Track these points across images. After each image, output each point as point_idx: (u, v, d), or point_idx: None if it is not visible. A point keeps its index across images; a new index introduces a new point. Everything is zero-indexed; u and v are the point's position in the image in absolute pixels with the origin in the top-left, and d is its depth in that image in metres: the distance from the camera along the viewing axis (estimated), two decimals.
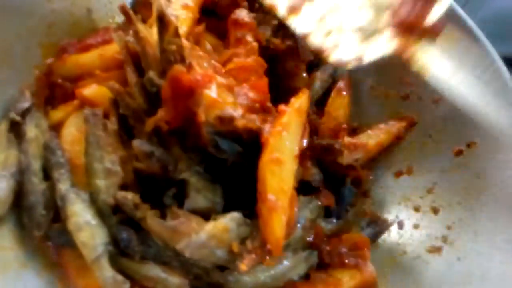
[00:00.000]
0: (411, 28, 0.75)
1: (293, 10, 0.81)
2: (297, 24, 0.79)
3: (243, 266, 0.71)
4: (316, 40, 0.78)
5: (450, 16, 0.81)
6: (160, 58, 0.79)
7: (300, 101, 0.79)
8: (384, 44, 0.76)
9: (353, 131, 0.96)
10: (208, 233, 0.71)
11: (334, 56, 0.77)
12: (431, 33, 0.76)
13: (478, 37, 0.87)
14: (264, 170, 0.73)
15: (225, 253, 0.74)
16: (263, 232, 0.72)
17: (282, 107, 0.78)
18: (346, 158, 0.78)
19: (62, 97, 0.91)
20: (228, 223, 0.73)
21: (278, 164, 0.73)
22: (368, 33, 0.77)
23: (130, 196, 0.73)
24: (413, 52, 0.75)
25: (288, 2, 0.80)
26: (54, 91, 0.92)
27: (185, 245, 0.70)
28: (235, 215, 0.74)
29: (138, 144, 0.74)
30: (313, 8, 0.79)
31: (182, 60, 0.78)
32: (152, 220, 0.73)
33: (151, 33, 0.81)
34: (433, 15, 0.75)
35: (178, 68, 0.73)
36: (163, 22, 0.76)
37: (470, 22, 0.87)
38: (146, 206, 0.74)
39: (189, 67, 0.77)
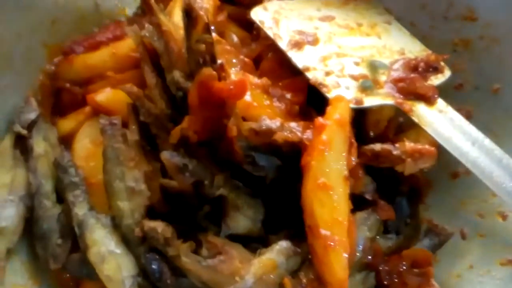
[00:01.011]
0: (407, 91, 0.75)
1: (296, 45, 0.80)
2: (298, 59, 0.78)
3: None
4: (316, 75, 0.76)
5: None
6: (188, 58, 0.68)
7: (340, 111, 0.68)
8: (383, 97, 0.75)
9: (399, 128, 0.86)
10: (255, 275, 0.61)
11: (334, 92, 0.74)
12: (426, 99, 0.75)
13: None
14: (311, 200, 0.62)
15: None
16: (320, 272, 0.62)
17: (319, 120, 0.66)
18: (409, 168, 0.67)
19: (71, 104, 0.82)
20: (276, 257, 0.63)
21: (326, 191, 0.63)
22: (367, 84, 0.76)
23: (160, 229, 0.63)
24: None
25: (292, 37, 0.80)
26: (62, 98, 0.82)
27: None
28: (283, 246, 0.64)
29: (168, 157, 0.63)
30: (316, 49, 0.80)
31: (213, 60, 0.67)
32: (187, 258, 0.63)
33: (176, 27, 0.70)
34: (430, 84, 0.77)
35: (208, 72, 0.62)
36: (191, 17, 0.65)
37: None
38: (179, 242, 0.63)
39: (221, 69, 0.66)
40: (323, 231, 0.61)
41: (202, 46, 0.65)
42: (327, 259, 0.61)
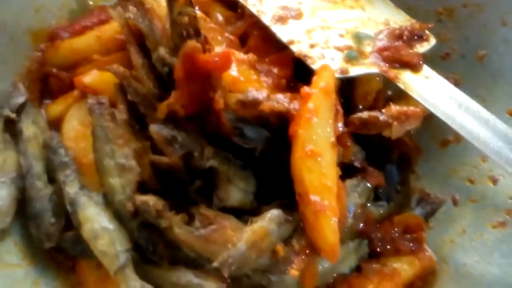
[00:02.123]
0: (392, 60, 0.76)
1: (280, 20, 0.80)
2: (282, 33, 0.78)
3: (293, 271, 0.61)
4: (301, 48, 0.77)
5: None
6: (171, 32, 0.68)
7: (325, 79, 0.68)
8: (368, 66, 0.76)
9: (388, 101, 0.86)
10: (247, 242, 0.61)
11: (319, 63, 0.74)
12: (412, 66, 0.75)
13: None
14: (300, 167, 0.63)
15: (267, 258, 0.64)
16: (312, 238, 0.62)
17: (305, 89, 0.67)
18: (396, 131, 0.68)
19: (59, 88, 0.81)
20: (267, 225, 0.63)
21: (314, 158, 0.63)
22: (352, 55, 0.77)
23: (152, 202, 0.63)
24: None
25: (275, 12, 0.80)
26: (49, 83, 0.82)
27: (223, 261, 0.60)
28: (275, 214, 0.64)
29: (157, 129, 0.63)
30: (300, 23, 0.81)
31: (197, 33, 0.67)
32: (180, 229, 0.63)
33: (159, 4, 0.70)
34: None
35: (192, 44, 0.62)
36: None
37: None
38: (171, 213, 0.63)
39: (205, 42, 0.67)
40: (313, 197, 0.61)
41: (185, 19, 0.65)
42: (318, 224, 0.61)
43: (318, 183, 0.62)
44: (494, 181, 0.78)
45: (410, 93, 0.72)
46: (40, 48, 0.81)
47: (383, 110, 0.69)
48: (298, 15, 0.80)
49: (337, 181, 0.64)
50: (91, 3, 0.89)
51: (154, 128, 0.63)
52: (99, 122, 0.69)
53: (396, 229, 0.73)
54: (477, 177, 0.80)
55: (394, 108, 0.68)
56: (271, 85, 0.76)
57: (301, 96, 0.67)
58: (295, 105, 0.68)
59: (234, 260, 0.60)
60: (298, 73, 0.79)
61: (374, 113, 0.69)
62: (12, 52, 0.79)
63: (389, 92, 0.86)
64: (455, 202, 0.80)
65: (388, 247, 0.72)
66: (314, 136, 0.63)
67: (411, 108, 0.68)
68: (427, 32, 0.81)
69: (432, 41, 0.80)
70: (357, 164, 0.71)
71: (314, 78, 0.68)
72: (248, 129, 0.67)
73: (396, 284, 0.70)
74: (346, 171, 0.70)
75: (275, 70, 0.77)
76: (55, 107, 0.79)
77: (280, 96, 0.70)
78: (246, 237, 0.61)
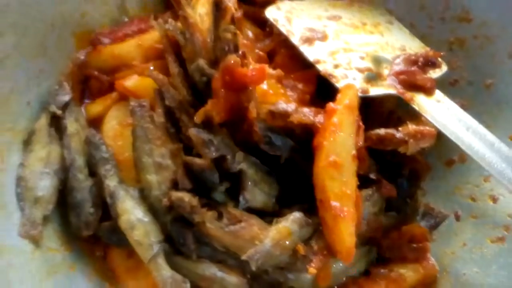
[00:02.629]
0: (408, 83, 0.83)
1: (307, 41, 0.87)
2: (309, 53, 0.85)
3: (312, 269, 0.67)
4: (326, 67, 0.83)
5: None
6: (213, 46, 0.74)
7: (349, 97, 0.74)
8: (386, 87, 0.83)
9: (398, 120, 0.92)
10: (272, 239, 0.67)
11: (343, 82, 0.81)
12: (425, 90, 0.82)
13: None
14: (323, 175, 0.69)
15: (287, 257, 0.70)
16: (330, 241, 0.69)
17: (330, 105, 0.73)
18: (412, 148, 0.74)
19: (98, 90, 0.87)
20: (290, 226, 0.69)
21: (336, 168, 0.69)
22: (372, 76, 0.84)
23: (187, 198, 0.69)
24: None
25: (303, 34, 0.88)
26: (90, 85, 0.88)
27: (251, 255, 0.66)
28: (297, 216, 0.70)
29: (196, 132, 0.69)
30: (325, 45, 0.88)
31: (236, 49, 0.74)
32: (211, 225, 0.69)
33: (201, 19, 0.77)
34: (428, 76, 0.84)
35: (233, 58, 0.69)
36: (220, 8, 0.71)
37: None
38: (204, 210, 0.69)
39: (243, 57, 0.73)
40: (334, 203, 0.68)
41: (228, 35, 0.71)
42: (337, 228, 0.67)
43: (339, 191, 0.68)
44: (494, 199, 0.84)
45: (423, 114, 0.79)
46: (83, 52, 0.87)
47: (400, 128, 0.75)
48: (324, 37, 0.87)
49: (355, 190, 0.70)
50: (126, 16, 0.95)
51: (193, 132, 0.70)
52: (140, 123, 0.75)
53: (403, 238, 0.79)
54: (479, 195, 0.86)
55: (411, 126, 0.74)
56: (296, 99, 0.82)
57: (326, 111, 0.73)
58: (319, 118, 0.74)
59: (260, 256, 0.66)
60: (319, 92, 0.85)
61: (390, 131, 0.76)
62: (59, 52, 0.85)
63: (399, 114, 0.93)
64: (457, 217, 0.86)
65: (395, 254, 0.78)
66: (338, 148, 0.70)
67: (427, 127, 0.74)
68: (439, 59, 0.88)
69: (444, 68, 0.87)
70: (372, 176, 0.77)
71: (339, 96, 0.75)
72: (276, 138, 0.74)
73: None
74: (362, 181, 0.76)
75: (300, 86, 0.84)
76: (94, 107, 0.84)
77: (306, 110, 0.77)
78: (271, 235, 0.68)
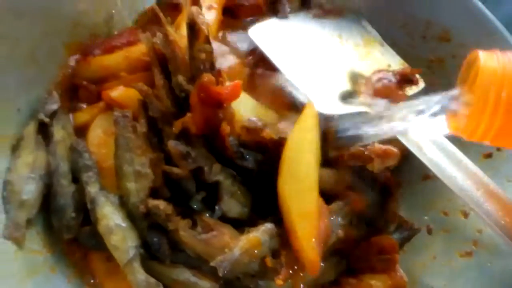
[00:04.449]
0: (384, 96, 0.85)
1: (286, 58, 0.88)
2: (287, 70, 0.87)
3: (279, 281, 0.70)
4: (301, 86, 0.85)
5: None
6: (190, 64, 0.78)
7: (306, 115, 0.76)
8: (359, 104, 0.84)
9: None
10: (241, 248, 0.70)
11: (315, 99, 0.82)
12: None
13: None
14: (283, 191, 0.72)
15: (257, 265, 0.74)
16: (297, 255, 0.71)
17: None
18: (377, 166, 0.77)
19: (87, 99, 0.91)
20: (261, 236, 0.72)
21: (296, 182, 0.72)
22: (347, 93, 0.86)
23: (162, 206, 0.72)
24: None
25: (285, 53, 0.89)
26: (79, 94, 0.91)
27: (219, 262, 0.69)
28: (268, 227, 0.73)
29: (174, 145, 0.73)
30: (303, 62, 0.89)
31: (212, 68, 0.77)
32: (184, 232, 0.72)
33: (180, 36, 0.80)
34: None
35: (208, 77, 0.73)
36: (193, 30, 0.75)
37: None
38: (178, 218, 0.73)
39: (218, 75, 0.76)
40: (294, 218, 0.71)
41: (203, 55, 0.75)
42: (298, 244, 0.71)
43: (298, 207, 0.71)
44: (466, 215, 0.87)
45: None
46: (73, 61, 0.90)
47: (368, 147, 0.78)
48: (304, 54, 0.90)
49: (318, 204, 0.72)
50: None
51: (172, 144, 0.73)
52: (122, 132, 0.78)
53: (372, 249, 0.82)
54: (451, 210, 0.89)
55: (377, 146, 0.77)
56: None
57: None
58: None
59: (228, 263, 0.69)
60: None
61: (360, 148, 0.79)
62: (50, 62, 0.88)
63: None
64: (429, 231, 0.89)
65: (364, 264, 0.81)
66: (296, 165, 0.73)
67: (390, 148, 0.77)
68: (417, 76, 0.91)
69: (421, 85, 0.90)
70: (342, 190, 0.80)
71: (302, 114, 0.77)
72: (247, 153, 0.77)
73: None
74: (333, 195, 0.79)
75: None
76: (82, 116, 0.88)
77: (283, 125, 0.80)
78: (241, 244, 0.71)
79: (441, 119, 0.76)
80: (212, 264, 0.69)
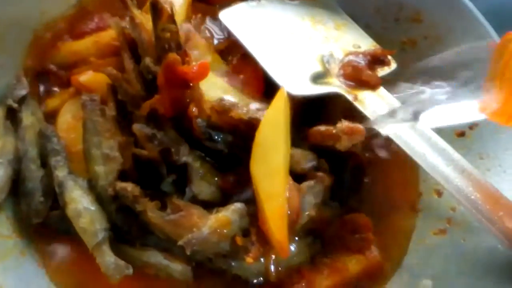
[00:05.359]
0: (353, 79, 0.85)
1: (258, 41, 0.88)
2: (259, 54, 0.86)
3: (249, 259, 0.70)
4: (273, 68, 0.85)
5: None
6: (155, 45, 0.77)
7: (277, 98, 0.76)
8: (331, 85, 0.85)
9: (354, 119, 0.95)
10: (210, 227, 0.70)
11: (288, 82, 0.82)
12: (370, 86, 0.85)
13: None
14: (253, 172, 0.72)
15: (227, 245, 0.73)
16: (266, 235, 0.71)
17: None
18: (344, 143, 0.76)
19: (56, 85, 0.90)
20: (230, 215, 0.71)
21: (266, 163, 0.72)
22: (319, 75, 0.86)
23: (130, 188, 0.72)
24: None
25: (255, 35, 0.89)
26: (48, 79, 0.91)
27: (186, 241, 0.69)
28: (237, 207, 0.73)
29: (139, 127, 0.73)
30: (277, 45, 0.89)
31: (178, 47, 0.76)
32: (152, 213, 0.72)
33: (147, 19, 0.79)
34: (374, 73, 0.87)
35: (173, 56, 0.72)
36: (156, 9, 0.74)
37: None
38: (146, 199, 0.72)
39: (184, 54, 0.76)
40: (262, 199, 0.70)
41: (167, 34, 0.74)
42: (267, 225, 0.70)
43: (269, 186, 0.71)
44: (439, 194, 0.87)
45: (364, 112, 0.82)
46: (42, 47, 0.90)
47: (337, 125, 0.78)
48: (275, 37, 0.90)
49: (285, 185, 0.72)
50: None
51: (137, 126, 0.73)
52: (90, 116, 0.77)
53: (345, 228, 0.81)
54: (425, 190, 0.89)
55: (344, 123, 0.77)
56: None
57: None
58: (260, 114, 0.77)
59: (196, 242, 0.69)
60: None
61: (329, 127, 0.78)
62: (19, 48, 0.88)
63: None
64: None
65: (338, 244, 0.81)
66: (266, 146, 0.72)
67: (357, 125, 0.77)
68: (389, 57, 0.91)
69: (393, 65, 0.90)
70: (313, 170, 0.80)
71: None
72: (216, 134, 0.76)
73: (344, 277, 0.79)
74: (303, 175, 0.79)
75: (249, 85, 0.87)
76: (52, 101, 0.87)
77: (255, 105, 0.80)
78: (209, 224, 0.70)
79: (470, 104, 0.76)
80: (179, 243, 0.69)
